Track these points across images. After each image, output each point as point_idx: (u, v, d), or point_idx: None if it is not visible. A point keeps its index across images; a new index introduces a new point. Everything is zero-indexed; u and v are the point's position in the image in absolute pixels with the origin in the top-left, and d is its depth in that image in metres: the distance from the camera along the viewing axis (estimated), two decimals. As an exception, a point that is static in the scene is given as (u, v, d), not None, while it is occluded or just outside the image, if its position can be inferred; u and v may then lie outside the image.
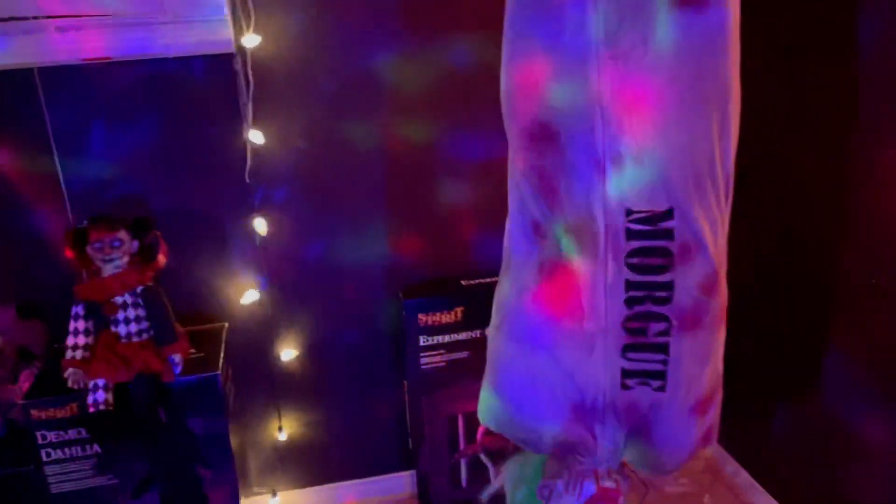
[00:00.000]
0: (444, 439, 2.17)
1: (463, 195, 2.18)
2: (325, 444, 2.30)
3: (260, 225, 2.06)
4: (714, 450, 2.46)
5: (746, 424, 2.26)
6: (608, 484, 1.31)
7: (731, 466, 2.36)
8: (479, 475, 2.22)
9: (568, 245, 1.25)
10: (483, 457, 2.22)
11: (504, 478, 1.51)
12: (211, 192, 2.04)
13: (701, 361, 1.28)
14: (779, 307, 2.07)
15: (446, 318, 2.05)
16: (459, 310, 2.05)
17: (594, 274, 1.22)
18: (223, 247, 2.08)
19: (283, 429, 2.24)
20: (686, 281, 1.21)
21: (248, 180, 2.02)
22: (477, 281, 2.11)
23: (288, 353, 2.19)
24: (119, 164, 1.96)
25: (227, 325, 2.10)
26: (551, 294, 1.28)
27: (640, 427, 1.29)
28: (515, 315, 1.34)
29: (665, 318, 1.22)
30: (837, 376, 1.87)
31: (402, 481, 2.38)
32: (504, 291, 1.38)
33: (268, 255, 2.10)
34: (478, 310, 2.05)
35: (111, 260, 1.75)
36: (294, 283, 2.15)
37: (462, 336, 2.08)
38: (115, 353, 1.74)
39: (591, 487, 1.30)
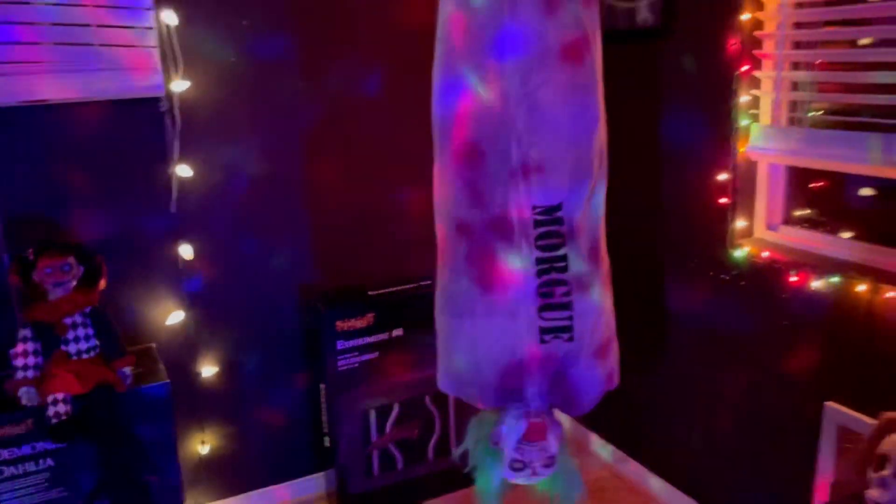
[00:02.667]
0: (359, 434, 2.45)
1: (369, 221, 2.53)
2: (244, 454, 2.49)
3: (185, 251, 2.26)
4: (574, 426, 2.95)
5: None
6: (536, 420, 1.70)
7: (593, 437, 2.85)
8: (389, 464, 2.52)
9: (489, 237, 1.65)
10: (391, 447, 2.54)
11: (467, 438, 1.83)
12: (138, 222, 2.22)
13: (597, 314, 1.71)
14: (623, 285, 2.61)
15: (359, 323, 2.36)
16: (371, 315, 2.37)
17: (512, 255, 1.63)
18: (149, 272, 2.26)
19: (205, 442, 2.41)
20: (576, 253, 1.65)
21: (173, 210, 2.23)
22: (381, 290, 2.45)
23: (208, 369, 2.38)
24: (49, 197, 2.10)
25: (154, 345, 2.26)
26: (480, 275, 1.66)
27: (558, 373, 1.69)
28: (453, 296, 1.72)
29: (565, 283, 1.65)
30: (677, 342, 2.42)
31: (316, 482, 2.61)
32: (442, 281, 1.75)
33: (191, 279, 2.30)
34: (385, 315, 2.39)
35: (61, 284, 1.90)
36: (215, 304, 2.36)
37: (372, 339, 2.39)
38: (68, 369, 1.88)
39: (524, 424, 1.68)
